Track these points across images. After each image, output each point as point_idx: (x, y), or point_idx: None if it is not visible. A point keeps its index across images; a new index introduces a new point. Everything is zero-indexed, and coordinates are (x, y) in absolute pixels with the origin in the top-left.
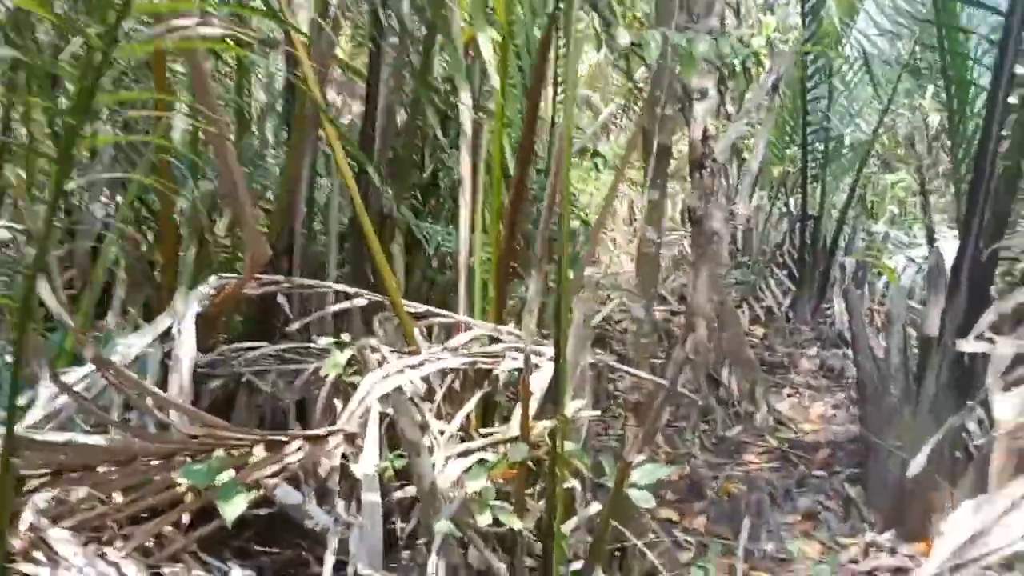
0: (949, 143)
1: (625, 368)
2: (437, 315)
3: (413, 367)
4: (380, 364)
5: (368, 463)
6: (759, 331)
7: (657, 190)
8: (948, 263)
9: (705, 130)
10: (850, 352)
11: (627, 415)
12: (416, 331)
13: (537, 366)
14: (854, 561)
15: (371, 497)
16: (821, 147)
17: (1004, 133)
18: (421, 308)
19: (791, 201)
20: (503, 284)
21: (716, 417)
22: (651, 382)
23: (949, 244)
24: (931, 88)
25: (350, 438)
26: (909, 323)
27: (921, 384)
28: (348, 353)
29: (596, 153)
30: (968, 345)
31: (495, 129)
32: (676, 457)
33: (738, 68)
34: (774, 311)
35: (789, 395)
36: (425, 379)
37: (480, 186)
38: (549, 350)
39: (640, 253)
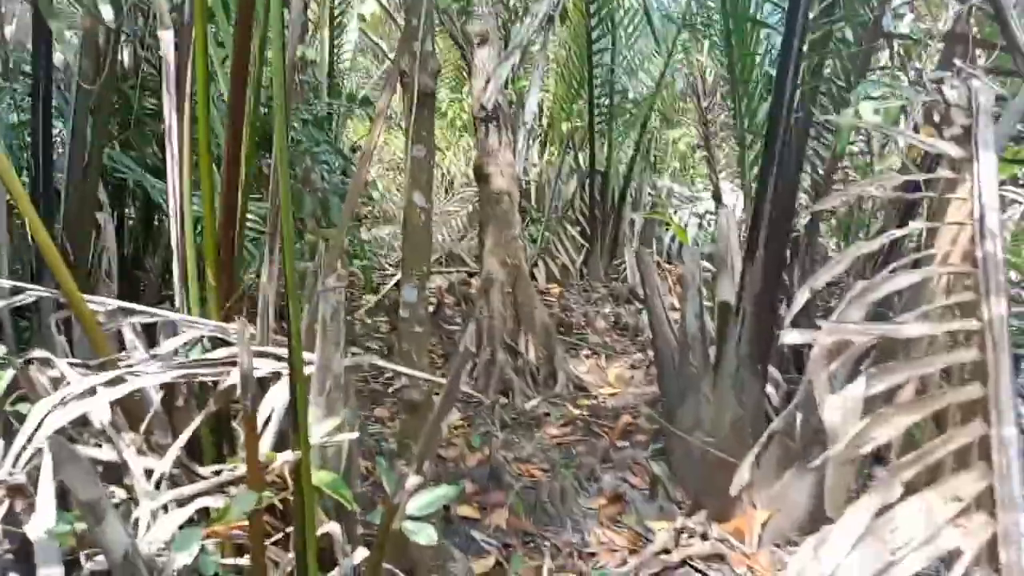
0: (729, 100)
1: (396, 367)
2: (135, 311)
3: (104, 386)
4: (56, 386)
5: (42, 525)
6: (555, 289)
7: (423, 145)
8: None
9: (488, 79)
10: (644, 309)
11: (402, 419)
12: (129, 333)
13: (278, 376)
14: (666, 551)
15: (50, 573)
16: (607, 102)
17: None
18: (113, 303)
19: (580, 156)
20: (228, 267)
21: (514, 387)
22: (428, 380)
23: (730, 199)
24: (707, 43)
25: (15, 491)
26: (703, 286)
27: (721, 355)
28: (9, 373)
29: (366, 101)
30: (791, 336)
31: (198, 63)
32: (474, 438)
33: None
34: (569, 268)
35: (587, 356)
36: (131, 399)
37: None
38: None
39: (406, 223)
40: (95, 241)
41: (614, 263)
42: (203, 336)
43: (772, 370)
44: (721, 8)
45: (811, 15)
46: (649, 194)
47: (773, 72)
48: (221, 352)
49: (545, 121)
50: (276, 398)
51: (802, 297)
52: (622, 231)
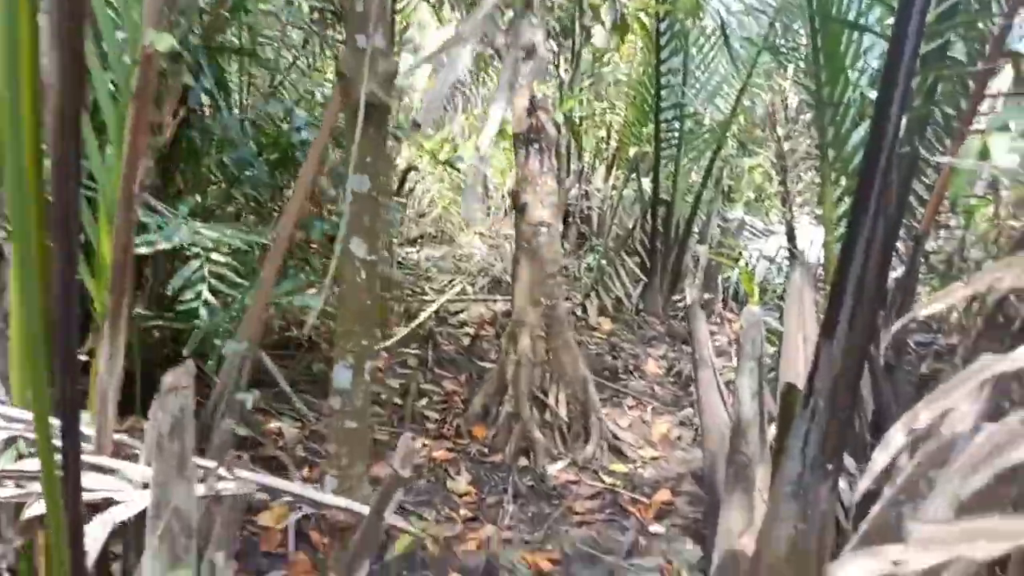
0: (813, 126)
1: (299, 491)
2: None
3: None
4: None
5: None
6: (606, 325)
7: (367, 174)
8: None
9: (533, 98)
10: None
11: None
12: None
13: (110, 502)
14: None
15: None
16: (676, 126)
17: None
18: None
19: (646, 183)
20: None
21: (538, 448)
22: (348, 510)
23: (807, 233)
24: (791, 68)
25: None
26: (766, 356)
27: (783, 452)
28: None
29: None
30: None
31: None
32: (479, 513)
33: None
34: (623, 302)
35: (631, 407)
36: None
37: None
38: (137, 469)
39: (340, 280)
40: None
41: (673, 299)
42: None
43: (847, 461)
44: (808, 15)
45: (927, 18)
46: (719, 225)
47: (871, 94)
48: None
49: (614, 144)
50: (97, 531)
51: (884, 458)
52: (685, 264)
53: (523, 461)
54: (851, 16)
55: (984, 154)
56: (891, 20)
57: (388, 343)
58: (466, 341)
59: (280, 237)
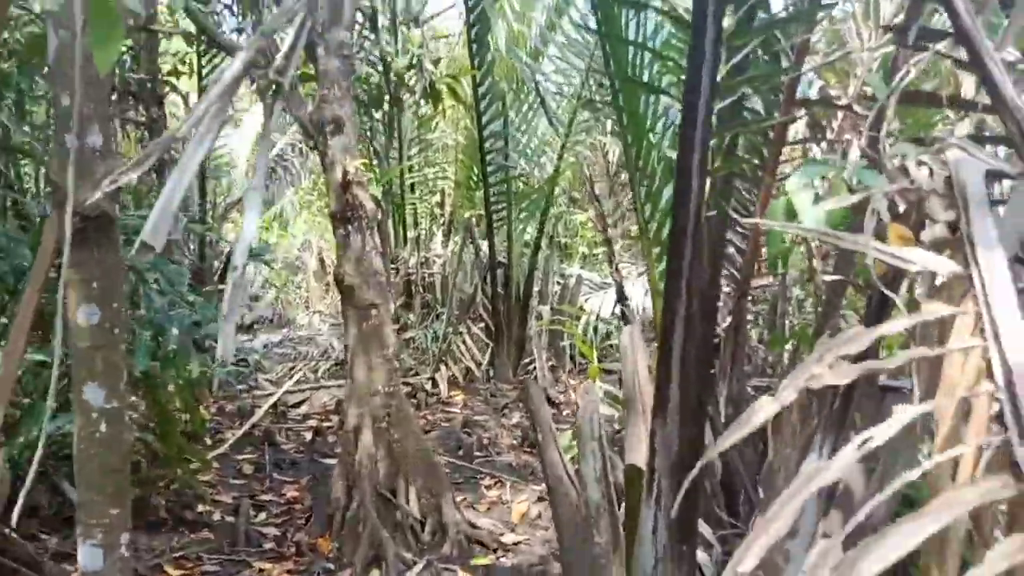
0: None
1: None
2: None
3: None
4: None
5: None
6: (458, 397)
7: (95, 304)
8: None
9: (346, 173)
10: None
11: None
12: None
13: None
14: None
15: None
16: (504, 188)
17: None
18: None
19: (483, 245)
20: None
21: (389, 555)
22: None
23: (638, 286)
24: (609, 123)
25: None
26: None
27: (635, 540)
28: None
29: None
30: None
31: None
32: None
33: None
34: (473, 371)
35: (488, 487)
36: None
37: None
38: None
39: (80, 432)
40: None
41: (523, 362)
42: None
43: (703, 530)
44: (611, 78)
45: (719, 75)
46: (558, 282)
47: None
48: None
49: (448, 208)
50: None
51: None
52: (530, 325)
53: (375, 573)
54: (646, 77)
55: (791, 213)
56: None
57: (220, 450)
58: (308, 436)
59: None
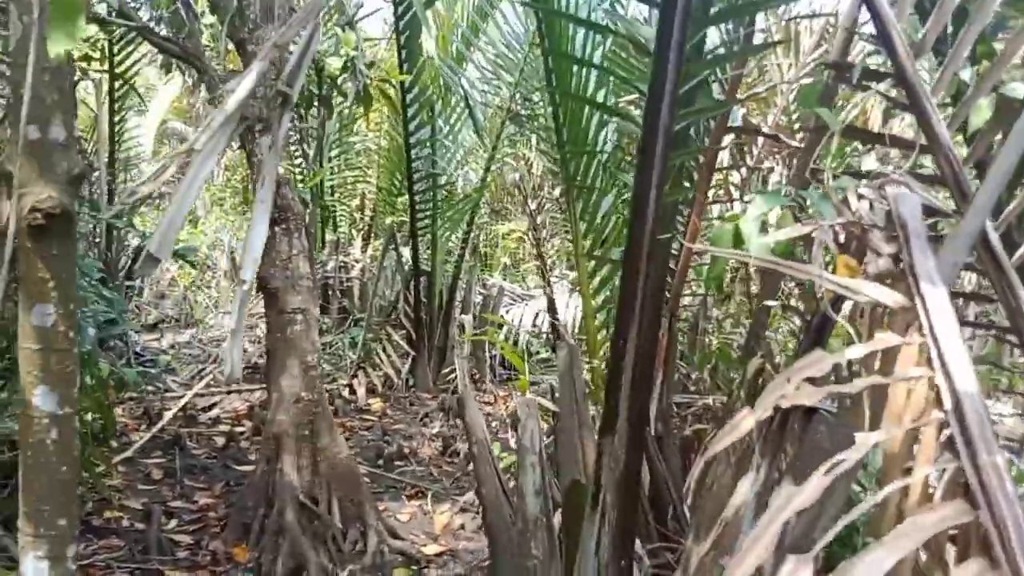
0: (563, 198)
1: None
2: None
3: None
4: None
5: None
6: (376, 405)
7: (51, 304)
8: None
9: (269, 174)
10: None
11: None
12: None
13: None
14: None
15: None
16: (430, 196)
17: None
18: None
19: (405, 252)
20: None
21: (311, 566)
22: None
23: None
24: (535, 137)
25: None
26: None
27: (575, 556)
28: None
29: None
30: None
31: None
32: None
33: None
34: (393, 379)
35: (410, 497)
36: None
37: None
38: None
39: (26, 444)
40: None
41: (443, 372)
42: None
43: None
44: (550, 94)
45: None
46: (480, 292)
47: (614, 169)
48: None
49: (369, 213)
50: None
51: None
52: (452, 334)
53: None
54: (589, 92)
55: (738, 240)
56: (628, 97)
57: (127, 453)
58: (221, 442)
59: None
